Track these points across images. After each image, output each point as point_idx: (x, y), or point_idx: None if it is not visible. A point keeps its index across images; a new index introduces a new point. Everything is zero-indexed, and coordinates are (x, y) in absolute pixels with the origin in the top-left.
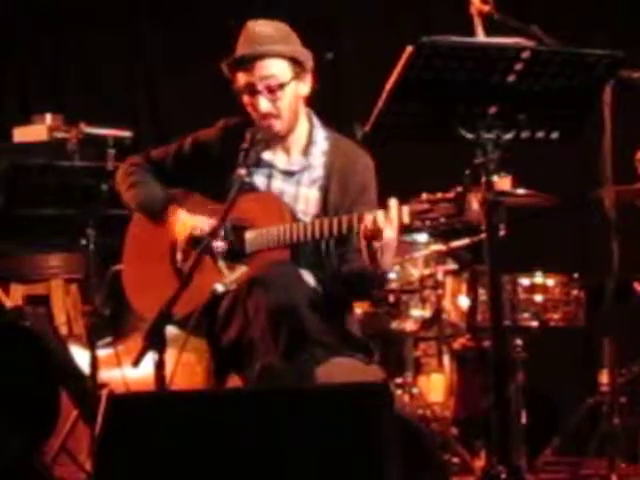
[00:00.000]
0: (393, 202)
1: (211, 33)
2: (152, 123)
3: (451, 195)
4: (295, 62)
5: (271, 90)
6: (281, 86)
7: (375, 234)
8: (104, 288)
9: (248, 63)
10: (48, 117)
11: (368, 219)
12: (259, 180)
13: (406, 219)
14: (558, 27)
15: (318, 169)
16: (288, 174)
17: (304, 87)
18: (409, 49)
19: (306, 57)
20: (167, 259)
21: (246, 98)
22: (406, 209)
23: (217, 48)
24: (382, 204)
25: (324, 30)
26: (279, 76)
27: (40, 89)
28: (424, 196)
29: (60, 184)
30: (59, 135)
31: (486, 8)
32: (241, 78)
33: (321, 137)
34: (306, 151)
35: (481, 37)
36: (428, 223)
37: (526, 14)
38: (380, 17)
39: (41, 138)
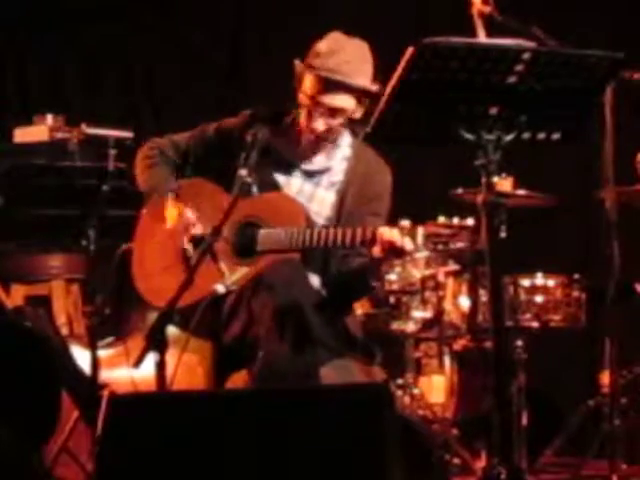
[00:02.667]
0: (406, 223)
1: (211, 33)
2: (153, 124)
3: (468, 224)
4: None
5: (333, 114)
6: (343, 113)
7: (386, 248)
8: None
9: (329, 85)
10: (49, 118)
11: (381, 233)
12: (279, 176)
13: (419, 240)
14: (559, 28)
15: (339, 173)
16: (308, 174)
17: (360, 110)
18: (410, 50)
19: (374, 89)
20: (175, 242)
21: (303, 98)
22: (421, 231)
23: (217, 48)
24: (394, 219)
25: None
26: (347, 109)
27: (41, 89)
28: (441, 220)
29: (61, 185)
30: (60, 136)
31: (487, 9)
32: (311, 81)
33: (345, 143)
34: (329, 154)
35: (482, 38)
36: (440, 247)
37: (527, 15)
38: (380, 18)
39: (42, 139)
